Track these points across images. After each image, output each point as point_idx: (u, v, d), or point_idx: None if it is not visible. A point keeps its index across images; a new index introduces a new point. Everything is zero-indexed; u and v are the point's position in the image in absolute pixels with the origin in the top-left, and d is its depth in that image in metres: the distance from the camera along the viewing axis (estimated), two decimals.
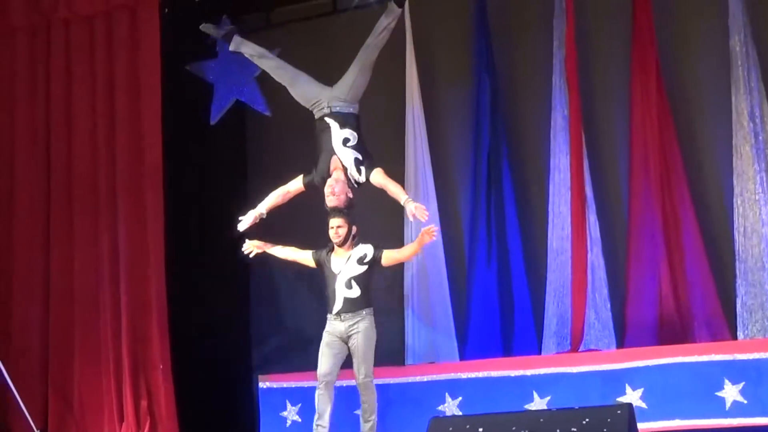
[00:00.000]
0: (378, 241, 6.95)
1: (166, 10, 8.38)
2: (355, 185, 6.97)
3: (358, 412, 7.43)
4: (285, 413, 7.89)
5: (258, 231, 7.19)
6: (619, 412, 5.87)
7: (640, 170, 7.62)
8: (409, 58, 8.30)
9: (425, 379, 7.63)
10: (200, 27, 7.47)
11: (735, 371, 6.83)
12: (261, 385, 8.01)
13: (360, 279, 6.78)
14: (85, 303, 8.51)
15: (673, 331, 7.43)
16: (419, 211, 6.66)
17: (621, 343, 7.51)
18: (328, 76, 7.34)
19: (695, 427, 6.86)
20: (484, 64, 8.12)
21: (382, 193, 7.04)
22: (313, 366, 6.90)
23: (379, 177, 6.93)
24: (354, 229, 6.87)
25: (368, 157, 7.01)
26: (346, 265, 6.82)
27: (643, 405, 6.93)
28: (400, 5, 7.27)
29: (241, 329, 8.86)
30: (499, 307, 7.91)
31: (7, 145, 8.93)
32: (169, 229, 8.35)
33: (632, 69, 7.71)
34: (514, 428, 5.98)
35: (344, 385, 7.26)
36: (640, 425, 6.10)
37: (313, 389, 6.83)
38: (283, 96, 7.45)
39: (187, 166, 8.67)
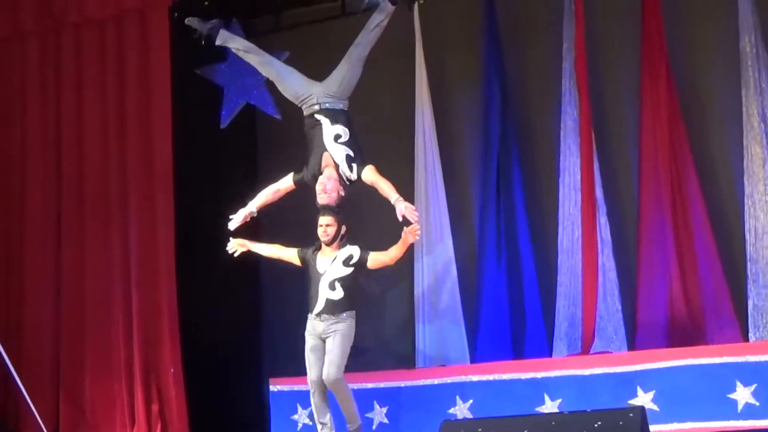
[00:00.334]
0: (377, 242, 6.83)
1: (176, 13, 8.39)
2: (347, 182, 6.81)
3: (369, 414, 7.46)
4: (296, 416, 7.89)
5: (248, 229, 7.10)
6: (631, 415, 5.86)
7: (651, 172, 7.60)
8: (419, 60, 8.30)
9: (436, 382, 7.60)
10: (185, 21, 7.26)
11: (747, 373, 6.80)
12: (272, 388, 8.02)
13: (344, 281, 6.64)
14: (96, 306, 8.53)
15: (684, 332, 7.42)
16: (409, 212, 6.53)
17: (632, 346, 7.50)
18: None
19: (707, 429, 6.83)
20: (493, 66, 8.11)
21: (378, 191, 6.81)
22: None
23: (370, 174, 6.75)
24: (343, 228, 6.73)
25: (360, 153, 6.83)
26: (331, 265, 6.69)
27: (655, 407, 6.91)
28: (394, 3, 7.09)
29: (252, 332, 8.87)
30: (509, 310, 7.91)
31: (18, 149, 8.98)
32: (179, 232, 8.36)
33: (642, 70, 7.70)
34: (525, 431, 5.98)
35: (355, 387, 7.25)
36: (651, 428, 6.08)
37: None
38: None
39: (197, 169, 8.68)
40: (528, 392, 7.28)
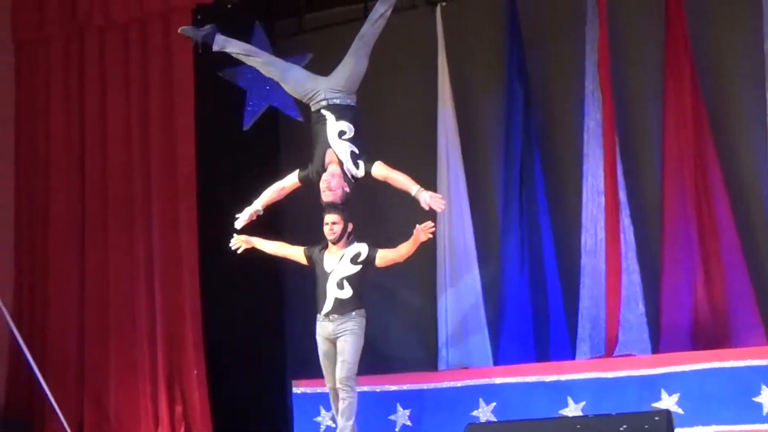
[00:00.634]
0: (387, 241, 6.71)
1: (199, 16, 8.41)
2: (352, 180, 6.63)
3: (392, 417, 7.46)
4: (319, 419, 7.89)
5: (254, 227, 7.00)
6: (657, 418, 5.84)
7: (675, 173, 7.57)
8: (441, 63, 8.30)
9: (459, 384, 7.58)
10: (179, 30, 7.14)
11: None
12: (295, 390, 8.02)
13: (352, 279, 6.49)
14: (120, 309, 8.57)
15: (708, 335, 7.38)
16: (434, 201, 6.34)
17: (656, 348, 7.47)
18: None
19: None
20: (516, 68, 8.09)
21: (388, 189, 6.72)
22: None
23: (381, 169, 6.56)
24: (350, 226, 6.56)
25: (366, 150, 6.64)
26: (338, 264, 6.54)
27: (680, 410, 6.88)
28: None
29: (275, 334, 8.88)
30: (532, 312, 7.89)
31: (42, 152, 9.02)
32: (202, 234, 8.38)
33: (666, 72, 7.67)
34: None
35: (377, 390, 7.27)
36: (676, 431, 6.07)
37: None
38: None
39: (220, 171, 8.70)
40: (551, 395, 7.26)
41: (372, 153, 6.72)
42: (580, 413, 7.08)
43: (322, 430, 7.89)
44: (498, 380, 7.47)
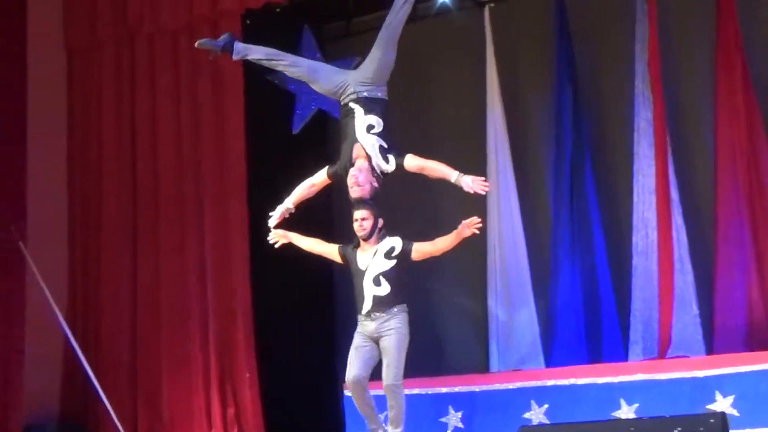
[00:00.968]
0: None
1: (248, 21, 8.47)
2: (381, 175, 6.34)
3: (443, 419, 7.44)
4: None
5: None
6: (712, 420, 5.78)
7: (728, 171, 7.50)
8: (490, 63, 8.29)
9: (511, 386, 7.57)
10: (196, 45, 6.80)
11: None
12: (346, 393, 8.02)
13: (389, 275, 6.22)
14: (172, 313, 8.64)
15: (763, 336, 7.30)
16: (477, 184, 6.08)
17: (710, 349, 7.40)
18: (406, 84, 7.29)
19: None
20: (565, 68, 8.07)
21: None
22: None
23: (414, 161, 6.27)
24: (380, 221, 6.30)
25: (395, 145, 6.35)
26: (372, 260, 6.28)
27: (735, 412, 6.80)
28: None
29: (326, 337, 8.91)
30: (584, 313, 7.85)
31: (94, 157, 9.13)
32: (253, 238, 8.42)
33: (717, 69, 7.61)
34: None
35: (429, 392, 7.26)
36: None
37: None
38: None
39: (270, 175, 8.73)
40: (604, 397, 7.22)
41: (421, 153, 6.62)
42: (633, 415, 7.03)
43: None
44: (550, 382, 7.44)
